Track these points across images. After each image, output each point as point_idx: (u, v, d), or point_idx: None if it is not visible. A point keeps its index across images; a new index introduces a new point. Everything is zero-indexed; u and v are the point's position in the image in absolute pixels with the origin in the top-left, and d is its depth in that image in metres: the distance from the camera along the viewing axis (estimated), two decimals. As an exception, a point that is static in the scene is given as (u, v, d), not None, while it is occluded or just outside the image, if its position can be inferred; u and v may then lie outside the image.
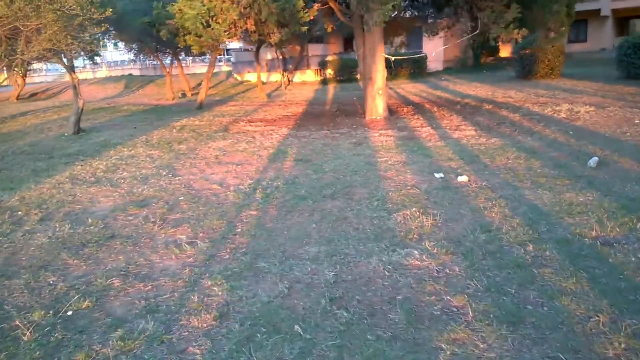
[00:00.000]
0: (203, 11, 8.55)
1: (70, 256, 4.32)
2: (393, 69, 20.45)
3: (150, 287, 3.63)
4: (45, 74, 40.29)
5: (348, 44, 30.42)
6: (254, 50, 27.21)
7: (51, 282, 3.83)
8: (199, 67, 35.42)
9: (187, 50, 22.00)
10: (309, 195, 5.72)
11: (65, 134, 12.13)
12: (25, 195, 6.59)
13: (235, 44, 36.24)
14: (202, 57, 34.61)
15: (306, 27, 9.05)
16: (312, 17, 9.16)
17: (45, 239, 4.81)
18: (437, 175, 6.22)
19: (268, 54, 31.03)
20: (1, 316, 3.34)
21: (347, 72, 26.98)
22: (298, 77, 29.84)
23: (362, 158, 7.48)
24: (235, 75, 32.75)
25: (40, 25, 6.38)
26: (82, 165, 8.23)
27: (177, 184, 6.66)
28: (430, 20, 16.70)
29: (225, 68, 36.59)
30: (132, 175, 7.28)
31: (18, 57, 6.49)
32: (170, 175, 7.17)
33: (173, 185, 6.57)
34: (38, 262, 4.25)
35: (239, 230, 4.71)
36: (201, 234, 4.66)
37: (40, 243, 4.72)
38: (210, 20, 8.80)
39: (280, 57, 28.19)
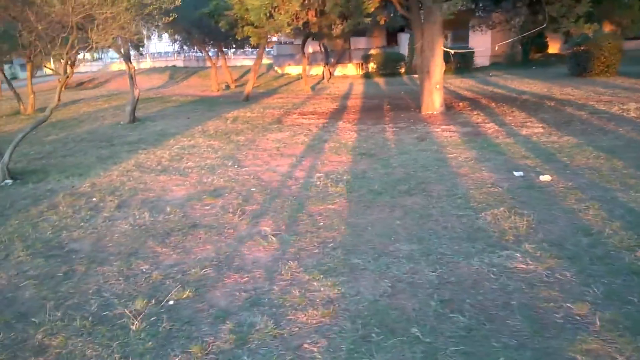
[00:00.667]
0: (267, 2, 8.47)
1: (157, 244, 4.31)
2: (453, 63, 19.84)
3: (246, 278, 3.56)
4: (90, 64, 41.29)
5: (391, 37, 29.95)
6: (294, 43, 27.08)
7: (144, 270, 3.82)
8: (240, 60, 35.61)
9: (232, 43, 22.02)
10: (384, 190, 5.56)
11: (121, 123, 12.33)
12: (96, 181, 6.68)
13: (274, 37, 36.37)
14: (244, 50, 34.76)
15: (369, 19, 8.84)
16: (373, 9, 8.95)
17: (127, 226, 4.83)
18: (516, 173, 5.96)
19: (310, 47, 30.96)
20: (102, 303, 3.33)
21: (391, 65, 26.59)
22: (339, 70, 29.62)
23: (429, 154, 7.27)
24: (275, 68, 32.76)
25: (113, 13, 6.40)
26: (145, 154, 8.31)
27: (245, 175, 6.62)
28: (482, 14, 16.20)
29: (265, 61, 36.65)
30: (197, 165, 7.29)
31: (92, 44, 6.54)
32: (235, 166, 7.14)
33: (241, 177, 6.53)
34: (126, 249, 4.25)
35: (322, 224, 4.60)
36: (283, 227, 4.58)
37: (123, 230, 4.74)
38: (272, 11, 8.71)
39: (323, 50, 27.97)
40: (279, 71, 32.35)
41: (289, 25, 8.84)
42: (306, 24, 9.65)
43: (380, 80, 24.45)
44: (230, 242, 4.29)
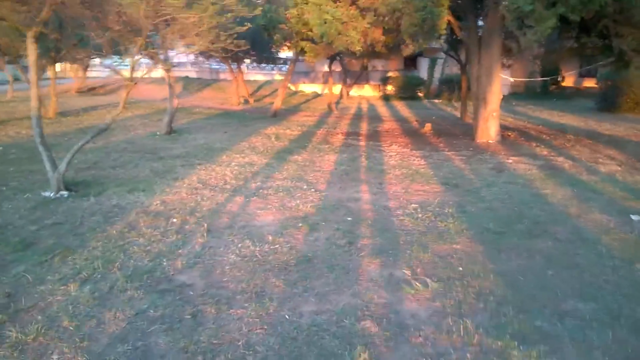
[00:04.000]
0: (337, 17, 8.04)
1: (282, 282, 3.75)
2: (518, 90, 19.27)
3: (420, 339, 3.00)
4: (100, 69, 40.71)
5: (409, 61, 29.78)
6: (304, 61, 26.86)
7: (288, 317, 3.25)
8: (253, 74, 35.23)
9: (261, 57, 21.59)
10: (501, 229, 5.05)
11: (158, 133, 11.76)
12: (165, 199, 6.10)
13: (287, 54, 36.16)
14: (259, 64, 34.49)
15: (442, 40, 8.44)
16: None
17: (234, 257, 4.26)
18: (634, 217, 5.49)
19: (325, 66, 30.72)
20: (259, 361, 2.75)
21: (410, 89, 26.35)
22: (355, 91, 29.33)
23: (519, 188, 6.79)
24: (289, 85, 32.40)
25: (197, 19, 5.91)
26: (204, 170, 7.74)
27: (329, 200, 6.09)
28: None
29: (278, 77, 36.36)
30: (269, 187, 6.74)
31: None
32: (312, 190, 6.60)
33: (326, 203, 5.99)
34: (248, 286, 3.67)
35: (461, 269, 4.07)
36: (419, 270, 4.03)
37: (231, 261, 4.16)
38: (341, 27, 8.28)
39: (340, 70, 27.72)
40: (293, 88, 32.00)
41: (359, 42, 8.41)
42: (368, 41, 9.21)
43: (400, 104, 24.14)
44: (367, 286, 3.73)
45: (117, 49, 6.32)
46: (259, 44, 15.40)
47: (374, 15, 8.11)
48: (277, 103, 17.03)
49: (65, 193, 6.37)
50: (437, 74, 27.87)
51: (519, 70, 26.86)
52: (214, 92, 29.12)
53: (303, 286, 3.70)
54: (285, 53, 33.69)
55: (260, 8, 6.98)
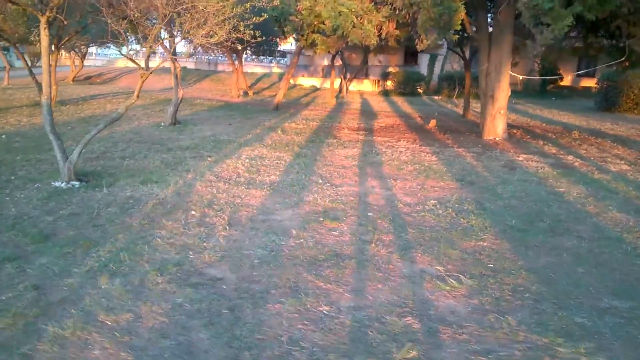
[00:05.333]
0: (353, 9, 7.96)
1: (315, 277, 3.70)
2: (521, 88, 19.24)
3: (465, 336, 2.97)
4: (95, 57, 40.29)
5: (410, 57, 29.73)
6: (306, 54, 26.56)
7: (326, 312, 3.20)
8: (251, 67, 34.99)
9: (262, 49, 21.42)
10: (524, 227, 5.04)
11: (162, 124, 11.63)
12: (181, 191, 6.02)
13: (285, 46, 35.91)
14: (258, 57, 34.32)
15: (457, 36, 8.40)
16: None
17: (261, 251, 4.20)
18: (653, 216, 5.49)
19: (325, 60, 30.56)
20: (310, 357, 2.70)
21: (410, 85, 26.30)
22: (354, 86, 29.18)
23: (534, 185, 6.78)
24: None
25: (218, 8, 5.81)
26: (215, 162, 7.65)
27: (347, 195, 6.04)
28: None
29: (276, 70, 36.14)
30: (283, 180, 6.68)
31: (194, 39, 5.92)
32: (328, 184, 6.55)
33: (344, 197, 5.94)
34: (281, 281, 3.63)
35: (492, 266, 4.04)
36: (450, 266, 4.00)
37: (259, 255, 4.11)
38: (355, 20, 8.20)
39: (339, 64, 27.58)
40: (292, 82, 31.82)
41: (374, 35, 8.33)
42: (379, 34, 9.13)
43: (400, 99, 24.09)
44: (400, 281, 3.70)
45: (127, 37, 6.13)
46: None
47: (391, 9, 8.03)
48: (280, 96, 16.92)
49: (76, 183, 6.26)
50: (436, 70, 27.86)
51: (518, 68, 26.94)
52: (213, 84, 28.90)
53: (336, 281, 3.65)
54: (284, 46, 33.54)
55: (278, -2, 6.81)
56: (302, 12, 9.68)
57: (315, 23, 9.31)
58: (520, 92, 27.19)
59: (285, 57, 35.64)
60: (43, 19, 6.28)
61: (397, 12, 8.10)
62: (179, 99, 11.56)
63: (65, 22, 6.82)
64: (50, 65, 6.46)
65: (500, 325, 3.09)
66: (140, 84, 6.63)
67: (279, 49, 34.91)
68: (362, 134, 11.40)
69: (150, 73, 6.55)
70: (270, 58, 37.84)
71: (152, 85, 27.37)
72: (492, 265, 4.04)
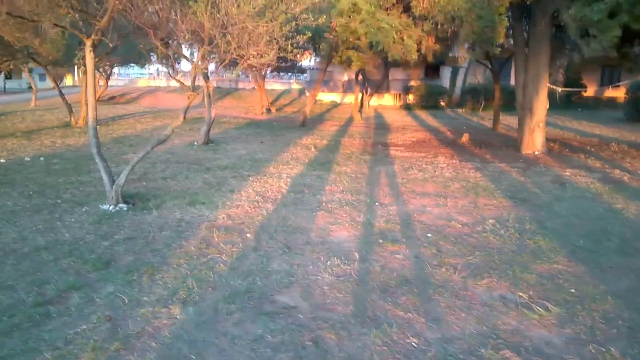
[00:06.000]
0: (394, 25, 7.89)
1: (391, 305, 3.54)
2: (559, 101, 18.93)
3: (569, 370, 2.77)
4: (117, 77, 40.98)
5: (430, 70, 29.58)
6: (322, 69, 26.66)
7: (415, 345, 3.03)
8: (271, 84, 35.22)
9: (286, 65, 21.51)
10: (593, 247, 4.82)
11: (196, 143, 11.64)
12: (230, 213, 5.93)
13: (305, 62, 36.07)
14: (279, 73, 34.53)
15: (499, 49, 8.26)
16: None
17: (328, 276, 4.06)
18: None
19: (345, 75, 30.60)
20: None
21: (433, 98, 26.14)
22: (375, 100, 29.08)
23: (589, 202, 6.56)
24: (307, 94, 32.35)
25: (268, 27, 5.77)
26: (258, 182, 7.57)
27: (399, 214, 5.89)
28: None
29: (295, 86, 36.34)
30: (330, 200, 6.55)
31: (244, 58, 5.89)
32: (376, 203, 6.41)
33: (397, 218, 5.79)
34: (357, 310, 3.47)
35: (574, 291, 3.84)
36: (531, 292, 3.80)
37: (328, 281, 3.97)
38: (395, 36, 8.13)
39: (360, 79, 27.55)
40: (311, 97, 31.87)
41: (414, 50, 8.25)
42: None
43: (423, 113, 23.93)
44: (484, 310, 3.52)
45: (176, 59, 6.11)
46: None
47: (432, 24, 7.96)
48: (307, 112, 16.89)
49: (124, 206, 6.22)
50: (458, 83, 27.66)
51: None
52: (235, 101, 29.12)
53: (415, 310, 3.49)
54: (304, 62, 33.67)
55: (324, 16, 6.76)
56: (337, 29, 9.64)
57: (350, 40, 9.25)
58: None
59: (305, 72, 35.77)
60: (88, 42, 6.31)
61: (439, 26, 8.02)
62: (212, 118, 11.58)
63: (111, 45, 6.86)
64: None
65: (605, 357, 2.89)
66: (187, 105, 6.61)
67: (298, 64, 35.10)
68: (396, 149, 11.26)
69: (197, 94, 6.52)
70: (290, 74, 38.05)
71: (175, 104, 27.71)
72: (574, 291, 3.83)
